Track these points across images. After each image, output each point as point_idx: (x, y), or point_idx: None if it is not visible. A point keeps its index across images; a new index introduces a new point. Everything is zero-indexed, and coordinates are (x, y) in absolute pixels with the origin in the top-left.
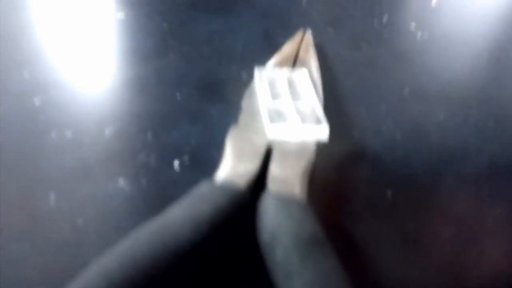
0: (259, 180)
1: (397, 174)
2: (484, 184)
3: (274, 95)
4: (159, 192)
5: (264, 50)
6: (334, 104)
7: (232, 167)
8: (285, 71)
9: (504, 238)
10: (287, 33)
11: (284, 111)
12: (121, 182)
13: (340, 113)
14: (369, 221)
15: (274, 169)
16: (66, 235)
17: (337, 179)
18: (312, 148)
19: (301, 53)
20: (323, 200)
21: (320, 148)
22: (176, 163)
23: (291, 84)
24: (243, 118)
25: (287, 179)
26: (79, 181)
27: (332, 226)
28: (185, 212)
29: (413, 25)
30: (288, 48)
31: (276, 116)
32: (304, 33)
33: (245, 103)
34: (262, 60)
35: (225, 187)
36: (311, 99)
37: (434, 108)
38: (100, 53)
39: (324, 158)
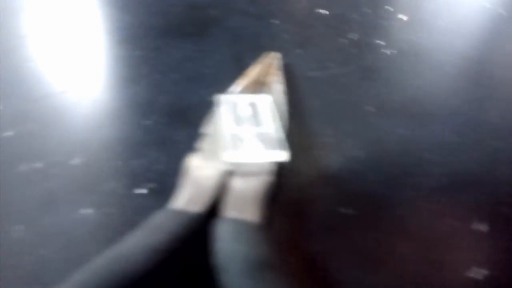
0: (216, 205)
1: (356, 192)
2: (439, 198)
3: (236, 121)
4: (125, 219)
5: (233, 74)
6: (299, 124)
7: (189, 194)
8: (248, 96)
9: (457, 250)
10: (257, 56)
11: (245, 137)
12: (88, 210)
13: (304, 132)
14: (327, 240)
15: (231, 195)
16: (31, 265)
17: (297, 198)
18: (271, 171)
19: (267, 77)
20: (283, 220)
21: (281, 168)
22: (142, 190)
23: (253, 109)
24: (204, 144)
25: (242, 204)
26: (46, 211)
27: (291, 246)
28: (141, 241)
29: (382, 42)
30: (254, 72)
31: (237, 142)
32: (272, 55)
33: (206, 129)
34: (231, 83)
35: (181, 214)
36: (272, 124)
37: (396, 124)
38: (72, 81)
39: (286, 178)
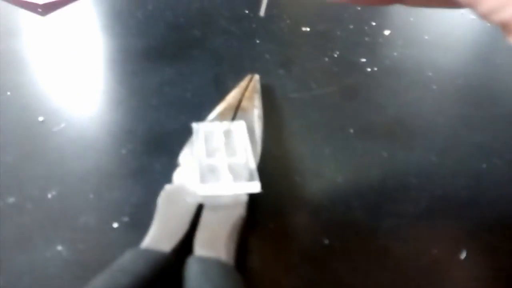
0: (188, 242)
1: (335, 220)
2: (422, 224)
3: (210, 151)
4: (97, 257)
5: (214, 97)
6: (277, 148)
7: (159, 231)
8: (223, 124)
9: (442, 281)
10: (238, 78)
11: (218, 168)
12: (59, 247)
13: (282, 157)
14: (305, 271)
15: (201, 231)
16: None
17: (274, 228)
18: (244, 202)
19: (244, 102)
20: (259, 253)
21: (256, 197)
22: (115, 224)
23: (228, 137)
24: (178, 175)
25: (214, 241)
26: (17, 249)
27: (267, 279)
28: (105, 284)
29: (363, 59)
30: (232, 97)
31: (209, 173)
32: (251, 78)
33: (182, 158)
34: (211, 108)
35: (149, 253)
36: (245, 154)
37: (378, 147)
38: (46, 109)
39: (262, 206)
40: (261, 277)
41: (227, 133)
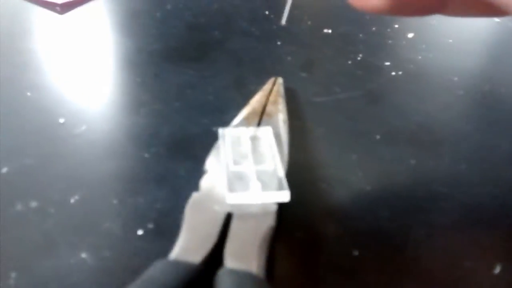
0: (217, 252)
1: (364, 230)
2: (453, 235)
3: (237, 158)
4: (123, 265)
5: (236, 100)
6: (303, 155)
7: (188, 241)
8: (250, 130)
9: None
10: (260, 80)
11: (246, 176)
12: (84, 254)
13: (308, 164)
14: (334, 283)
15: (231, 242)
16: None
17: (301, 237)
18: (273, 212)
19: (269, 106)
20: (286, 263)
21: (283, 205)
22: (140, 231)
23: (255, 143)
24: (205, 182)
25: (245, 252)
26: (41, 256)
27: None
28: None
29: (387, 63)
30: (256, 101)
31: (237, 181)
32: (275, 81)
33: (209, 165)
34: (234, 111)
35: (179, 265)
36: (273, 161)
37: (404, 154)
38: (69, 111)
39: (289, 215)
40: None
41: (254, 139)
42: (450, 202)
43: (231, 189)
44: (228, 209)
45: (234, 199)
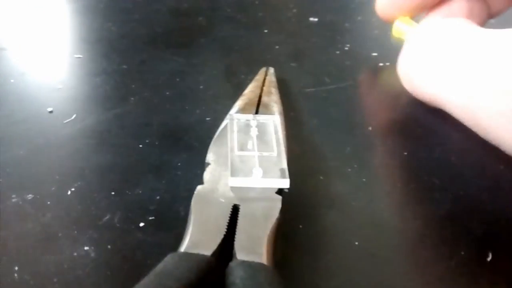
0: (227, 242)
1: (362, 222)
2: (448, 226)
3: (242, 143)
4: (125, 257)
5: (227, 90)
6: (299, 146)
7: (197, 234)
8: (256, 117)
9: (465, 281)
10: (249, 70)
11: (249, 161)
12: (86, 247)
13: (305, 155)
14: (343, 275)
15: (240, 234)
16: None
17: (303, 229)
18: (279, 206)
19: (264, 97)
20: (286, 255)
21: (284, 196)
22: (140, 223)
23: (260, 130)
24: (208, 174)
25: (255, 244)
26: (43, 249)
27: (307, 285)
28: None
29: (374, 54)
30: (250, 91)
31: (240, 166)
32: (267, 71)
33: (210, 157)
34: (225, 101)
35: (191, 257)
36: (275, 149)
37: (397, 145)
38: (56, 101)
39: (290, 206)
40: (299, 282)
41: (260, 126)
42: (444, 194)
43: (234, 173)
44: (234, 202)
45: (236, 183)
